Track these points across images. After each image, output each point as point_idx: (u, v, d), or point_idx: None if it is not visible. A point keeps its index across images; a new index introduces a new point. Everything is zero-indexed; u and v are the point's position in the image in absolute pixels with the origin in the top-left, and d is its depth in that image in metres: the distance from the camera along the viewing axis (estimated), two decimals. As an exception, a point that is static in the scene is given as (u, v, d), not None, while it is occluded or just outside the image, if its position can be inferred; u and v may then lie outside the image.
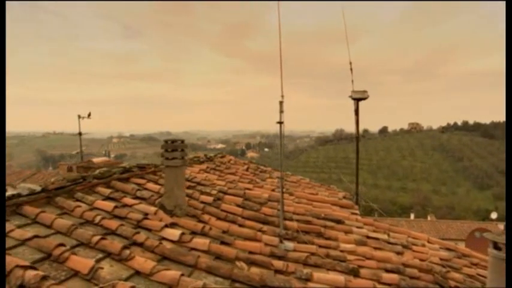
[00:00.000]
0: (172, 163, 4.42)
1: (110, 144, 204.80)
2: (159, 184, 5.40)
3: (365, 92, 8.07)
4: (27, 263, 2.59)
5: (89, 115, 7.44)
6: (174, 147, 4.41)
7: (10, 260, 2.55)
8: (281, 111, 4.51)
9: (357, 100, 8.13)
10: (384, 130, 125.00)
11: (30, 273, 2.43)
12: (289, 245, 4.17)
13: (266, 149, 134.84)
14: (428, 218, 36.63)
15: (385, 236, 5.15)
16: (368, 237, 5.00)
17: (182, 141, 4.57)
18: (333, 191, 7.95)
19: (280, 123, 4.53)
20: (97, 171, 5.03)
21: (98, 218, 3.74)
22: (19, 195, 3.87)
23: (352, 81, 8.02)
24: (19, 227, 3.32)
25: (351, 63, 8.12)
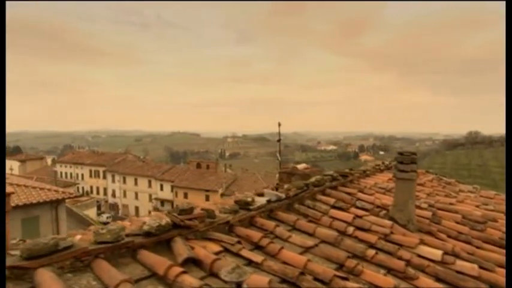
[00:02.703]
0: (408, 176, 4.25)
1: (225, 143, 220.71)
2: (366, 193, 5.33)
3: None
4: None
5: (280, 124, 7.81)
6: (412, 160, 4.23)
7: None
8: None
9: None
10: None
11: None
12: None
13: (381, 152, 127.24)
14: None
15: None
16: None
17: (414, 154, 4.37)
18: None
19: None
20: (313, 179, 5.20)
21: (350, 230, 3.79)
22: (270, 201, 4.19)
23: None
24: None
25: None
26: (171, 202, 50.70)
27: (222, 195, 44.98)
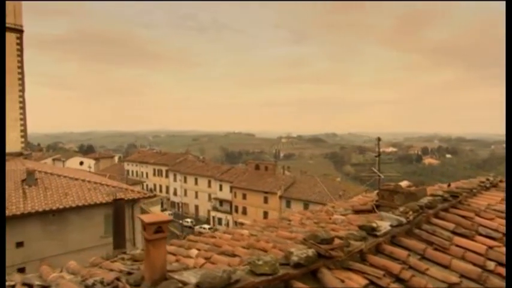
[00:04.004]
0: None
1: (279, 143, 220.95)
2: (484, 218, 4.96)
3: None
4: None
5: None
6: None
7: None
8: None
9: None
10: None
11: None
12: None
13: (448, 155, 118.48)
14: None
15: None
16: None
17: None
18: None
19: None
20: (425, 200, 4.97)
21: (490, 265, 3.54)
22: (392, 226, 4.06)
23: None
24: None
25: None
26: (230, 202, 51.90)
27: (281, 197, 45.05)
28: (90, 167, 51.36)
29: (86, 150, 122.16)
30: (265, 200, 46.63)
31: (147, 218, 2.71)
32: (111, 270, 4.26)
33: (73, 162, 60.46)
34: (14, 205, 16.73)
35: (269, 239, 4.98)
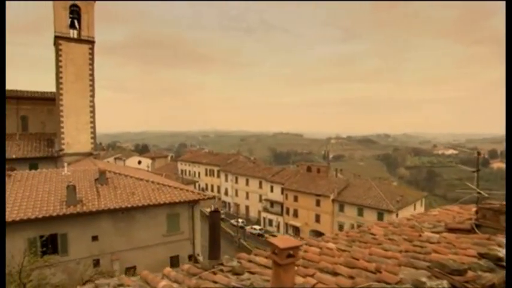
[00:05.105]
0: None
1: (328, 144, 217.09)
2: None
3: None
4: None
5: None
6: None
7: None
8: None
9: None
10: None
11: None
12: None
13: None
14: None
15: None
16: None
17: None
18: None
19: None
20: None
21: None
22: None
23: None
24: None
25: None
26: (281, 204, 51.90)
27: (334, 200, 44.17)
28: (148, 166, 54.09)
29: (141, 150, 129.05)
30: (317, 203, 45.98)
31: (280, 243, 2.74)
32: (215, 282, 4.39)
33: (132, 161, 64.14)
34: (90, 202, 18.06)
35: (364, 257, 4.85)
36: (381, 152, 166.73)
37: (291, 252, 2.75)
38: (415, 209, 41.49)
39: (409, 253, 4.71)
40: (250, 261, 5.37)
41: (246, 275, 4.42)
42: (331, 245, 5.98)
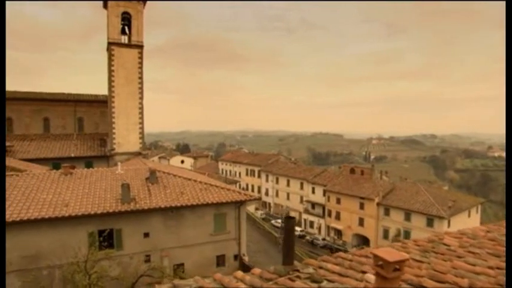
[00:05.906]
0: None
1: (370, 145, 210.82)
2: None
3: None
4: None
5: None
6: None
7: None
8: None
9: None
10: None
11: None
12: None
13: None
14: None
15: None
16: None
17: None
18: None
19: None
20: None
21: None
22: None
23: None
24: None
25: None
26: (323, 206, 51.13)
27: (379, 204, 42.78)
28: (191, 165, 55.51)
29: (182, 149, 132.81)
30: (361, 206, 44.76)
31: (388, 256, 2.63)
32: (294, 289, 4.33)
33: (175, 161, 66.18)
34: (143, 200, 18.81)
35: (449, 270, 4.58)
36: (426, 153, 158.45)
37: (397, 266, 2.62)
38: (469, 216, 39.04)
39: (502, 270, 4.37)
40: (320, 267, 5.26)
41: (325, 283, 4.32)
42: (404, 254, 5.74)
